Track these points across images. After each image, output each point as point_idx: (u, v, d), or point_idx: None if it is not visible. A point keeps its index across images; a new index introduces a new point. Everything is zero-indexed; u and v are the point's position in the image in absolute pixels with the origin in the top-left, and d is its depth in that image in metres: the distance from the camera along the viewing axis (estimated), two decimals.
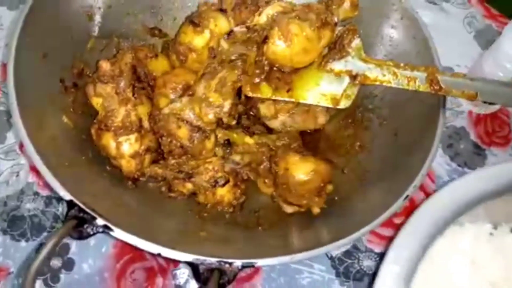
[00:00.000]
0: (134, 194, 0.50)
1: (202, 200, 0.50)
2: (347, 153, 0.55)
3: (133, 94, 0.48)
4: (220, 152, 0.51)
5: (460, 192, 0.41)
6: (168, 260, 0.52)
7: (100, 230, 0.40)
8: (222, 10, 0.54)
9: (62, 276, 0.51)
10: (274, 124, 0.53)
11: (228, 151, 0.52)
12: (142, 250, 0.51)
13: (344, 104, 0.47)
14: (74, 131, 0.49)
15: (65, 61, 0.50)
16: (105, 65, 0.48)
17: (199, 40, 0.51)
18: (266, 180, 0.51)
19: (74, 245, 0.53)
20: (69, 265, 0.52)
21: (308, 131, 0.55)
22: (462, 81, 0.44)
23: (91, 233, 0.40)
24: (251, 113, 0.54)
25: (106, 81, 0.48)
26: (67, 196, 0.41)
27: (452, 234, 0.44)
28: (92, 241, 0.53)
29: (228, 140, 0.51)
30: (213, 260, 0.40)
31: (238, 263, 0.40)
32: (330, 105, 0.47)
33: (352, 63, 0.47)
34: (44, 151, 0.43)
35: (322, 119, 0.55)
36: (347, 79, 0.47)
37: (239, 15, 0.55)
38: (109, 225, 0.40)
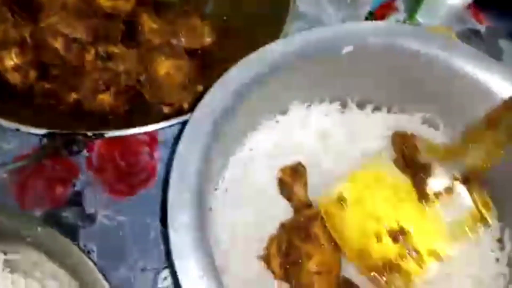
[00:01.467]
0: (22, 106, 0.54)
1: (87, 107, 0.54)
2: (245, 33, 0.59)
3: (12, 15, 0.53)
4: (101, 66, 0.55)
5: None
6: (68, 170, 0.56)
7: None
8: None
9: None
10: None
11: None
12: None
13: None
14: None
15: None
16: None
17: None
18: (149, 89, 0.56)
19: None
20: None
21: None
22: None
23: None
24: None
25: None
26: None
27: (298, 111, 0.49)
28: None
29: (108, 55, 0.55)
30: (63, 131, 0.45)
31: (89, 133, 0.45)
32: None
33: None
34: None
35: (208, 39, 0.60)
36: None
37: None
38: None
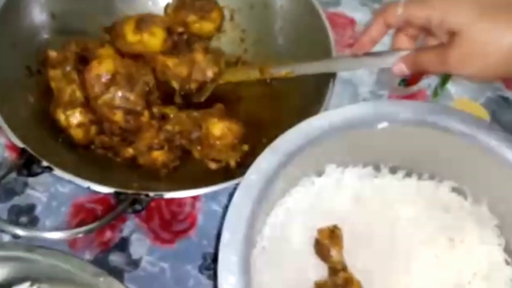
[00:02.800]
0: (83, 157, 0.60)
1: (142, 161, 0.60)
2: (268, 127, 0.63)
3: (78, 75, 0.60)
4: (156, 125, 0.61)
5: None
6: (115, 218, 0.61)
7: (45, 170, 0.52)
8: (170, 30, 0.65)
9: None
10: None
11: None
12: (93, 211, 0.62)
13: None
14: (36, 107, 0.62)
15: (30, 51, 0.63)
16: (51, 53, 0.62)
17: (131, 36, 0.64)
18: (198, 147, 0.61)
19: (40, 206, 0.62)
20: (34, 221, 0.61)
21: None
22: (283, 66, 0.60)
23: (39, 171, 0.52)
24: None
25: (56, 67, 0.61)
26: (20, 144, 0.52)
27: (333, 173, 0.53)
28: (54, 202, 0.63)
29: (163, 115, 0.62)
30: (129, 191, 0.50)
31: (151, 194, 0.51)
32: None
33: None
34: (9, 121, 0.55)
35: (210, 73, 0.65)
36: None
37: (177, 15, 0.67)
38: (51, 165, 0.51)
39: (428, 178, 0.55)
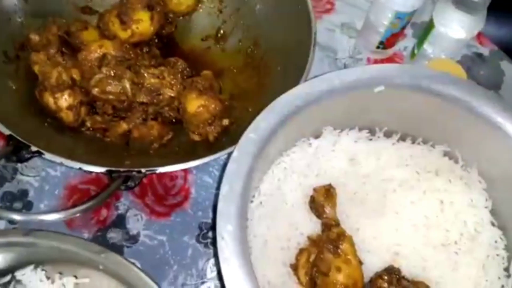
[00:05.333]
0: (71, 139, 0.60)
1: (137, 134, 0.60)
2: (254, 96, 0.65)
3: (63, 58, 0.59)
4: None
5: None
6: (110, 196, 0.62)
7: (34, 154, 0.51)
8: (150, 7, 0.63)
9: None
10: None
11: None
12: (87, 190, 0.62)
13: None
14: (18, 93, 0.60)
15: (5, 36, 0.61)
16: (33, 37, 0.60)
17: (123, 34, 0.63)
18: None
19: (32, 191, 0.63)
20: (28, 206, 0.62)
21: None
22: None
23: (28, 156, 0.51)
24: None
25: (39, 50, 0.60)
26: (6, 131, 0.51)
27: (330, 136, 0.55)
28: (46, 186, 0.63)
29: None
30: (122, 169, 0.50)
31: (143, 170, 0.51)
32: None
33: None
34: None
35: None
36: None
37: None
38: (40, 150, 0.51)
39: (422, 142, 0.57)
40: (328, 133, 0.55)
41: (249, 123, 0.52)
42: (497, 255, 0.53)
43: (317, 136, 0.56)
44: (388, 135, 0.57)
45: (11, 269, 0.49)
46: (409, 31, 0.77)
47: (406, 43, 0.77)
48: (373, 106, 0.53)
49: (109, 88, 0.57)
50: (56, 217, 0.49)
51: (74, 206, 0.58)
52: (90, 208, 0.50)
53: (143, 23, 0.63)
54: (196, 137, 0.61)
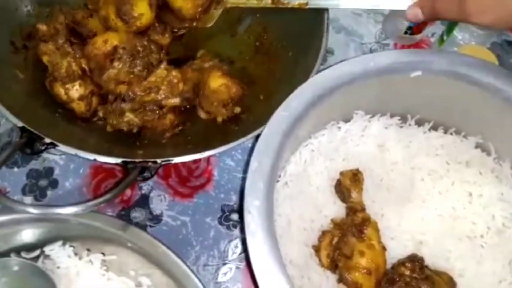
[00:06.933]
0: (84, 129, 0.60)
1: (149, 125, 0.60)
2: (264, 84, 0.64)
3: (72, 48, 0.58)
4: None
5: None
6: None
7: (48, 146, 0.51)
8: None
9: (48, 192, 0.62)
10: None
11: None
12: (112, 170, 0.63)
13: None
14: (28, 83, 0.60)
15: (13, 26, 0.61)
16: (41, 27, 0.59)
17: (127, 29, 0.61)
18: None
19: (58, 169, 0.64)
20: (54, 183, 0.63)
21: None
22: None
23: (42, 148, 0.50)
24: None
25: (47, 40, 0.59)
26: (19, 123, 0.51)
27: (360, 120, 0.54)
28: (71, 165, 0.64)
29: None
30: (137, 160, 0.50)
31: (158, 161, 0.51)
32: None
33: None
34: (2, 100, 0.53)
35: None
36: None
37: None
38: (54, 142, 0.50)
39: (454, 133, 0.56)
40: (359, 118, 0.55)
41: (261, 111, 0.52)
42: None
43: (347, 120, 0.55)
44: (420, 123, 0.56)
45: (40, 244, 0.50)
46: None
47: (434, 29, 0.75)
48: (406, 92, 0.53)
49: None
50: (73, 211, 0.47)
51: (97, 186, 0.60)
52: (107, 200, 0.49)
53: (145, 15, 0.61)
54: (203, 115, 0.61)
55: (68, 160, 0.64)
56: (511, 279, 0.50)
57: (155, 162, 0.51)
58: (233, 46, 0.69)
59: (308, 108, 0.48)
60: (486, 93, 0.50)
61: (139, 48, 0.59)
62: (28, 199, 0.62)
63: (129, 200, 0.62)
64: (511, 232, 0.51)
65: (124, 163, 0.51)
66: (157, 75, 0.57)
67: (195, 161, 0.65)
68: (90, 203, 0.47)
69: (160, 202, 0.62)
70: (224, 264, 0.59)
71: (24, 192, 0.62)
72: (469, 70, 0.50)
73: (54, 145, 0.51)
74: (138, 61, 0.58)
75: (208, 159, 0.65)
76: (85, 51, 0.58)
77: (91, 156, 0.51)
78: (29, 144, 0.51)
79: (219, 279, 0.58)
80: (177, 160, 0.52)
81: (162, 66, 0.58)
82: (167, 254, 0.45)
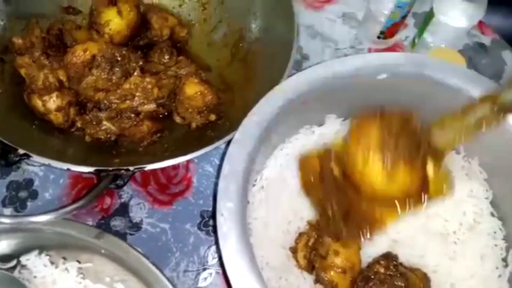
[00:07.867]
0: (60, 140, 0.60)
1: (127, 133, 0.61)
2: (240, 90, 0.65)
3: (48, 60, 0.59)
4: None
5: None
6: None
7: (22, 157, 0.51)
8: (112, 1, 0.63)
9: (28, 203, 0.62)
10: None
11: None
12: (92, 179, 0.63)
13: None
14: (5, 96, 0.60)
15: None
16: (17, 41, 0.60)
17: (103, 40, 0.62)
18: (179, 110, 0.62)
19: (37, 180, 0.64)
20: (33, 195, 0.63)
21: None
22: None
23: (16, 159, 0.51)
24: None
25: (23, 53, 0.59)
26: None
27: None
28: (51, 175, 0.64)
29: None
30: (110, 168, 0.51)
31: (131, 168, 0.51)
32: None
33: None
34: None
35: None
36: None
37: None
38: (28, 152, 0.51)
39: None
40: (331, 121, 0.56)
41: (238, 117, 0.52)
42: (496, 245, 0.53)
43: (320, 124, 0.56)
44: None
45: (16, 254, 0.50)
46: (410, 21, 0.77)
47: (407, 33, 0.77)
48: (375, 94, 0.54)
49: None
50: (46, 219, 0.48)
51: (77, 195, 0.60)
52: (79, 207, 0.50)
53: (113, 22, 0.62)
54: (178, 119, 0.62)
55: (47, 171, 0.64)
56: (482, 273, 0.50)
57: (127, 170, 0.51)
58: (210, 54, 0.70)
59: (280, 112, 0.49)
60: (449, 92, 0.52)
61: (118, 57, 0.59)
62: (8, 211, 0.62)
63: (109, 208, 0.62)
64: (482, 227, 0.52)
65: (97, 172, 0.51)
66: (131, 82, 0.58)
67: (174, 168, 0.65)
68: (62, 210, 0.47)
69: (139, 210, 0.63)
70: (204, 269, 0.59)
71: (4, 204, 0.62)
72: (432, 71, 0.52)
73: (28, 156, 0.51)
74: (117, 69, 0.59)
75: (187, 165, 0.65)
76: (65, 60, 0.59)
77: (65, 166, 0.51)
78: (3, 156, 0.51)
79: (199, 284, 0.58)
80: (150, 167, 0.53)
81: (136, 73, 0.58)
82: (141, 260, 0.46)
